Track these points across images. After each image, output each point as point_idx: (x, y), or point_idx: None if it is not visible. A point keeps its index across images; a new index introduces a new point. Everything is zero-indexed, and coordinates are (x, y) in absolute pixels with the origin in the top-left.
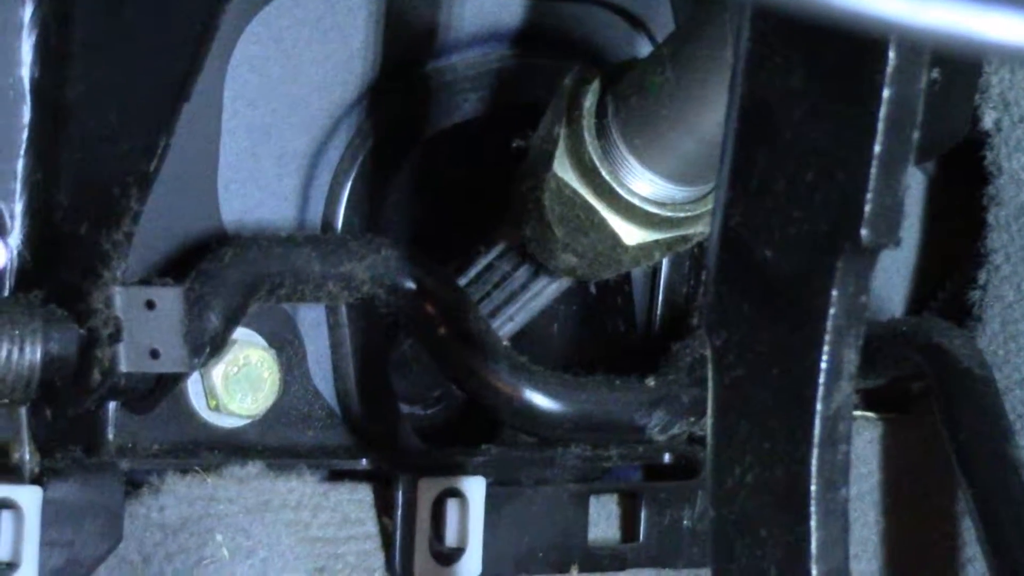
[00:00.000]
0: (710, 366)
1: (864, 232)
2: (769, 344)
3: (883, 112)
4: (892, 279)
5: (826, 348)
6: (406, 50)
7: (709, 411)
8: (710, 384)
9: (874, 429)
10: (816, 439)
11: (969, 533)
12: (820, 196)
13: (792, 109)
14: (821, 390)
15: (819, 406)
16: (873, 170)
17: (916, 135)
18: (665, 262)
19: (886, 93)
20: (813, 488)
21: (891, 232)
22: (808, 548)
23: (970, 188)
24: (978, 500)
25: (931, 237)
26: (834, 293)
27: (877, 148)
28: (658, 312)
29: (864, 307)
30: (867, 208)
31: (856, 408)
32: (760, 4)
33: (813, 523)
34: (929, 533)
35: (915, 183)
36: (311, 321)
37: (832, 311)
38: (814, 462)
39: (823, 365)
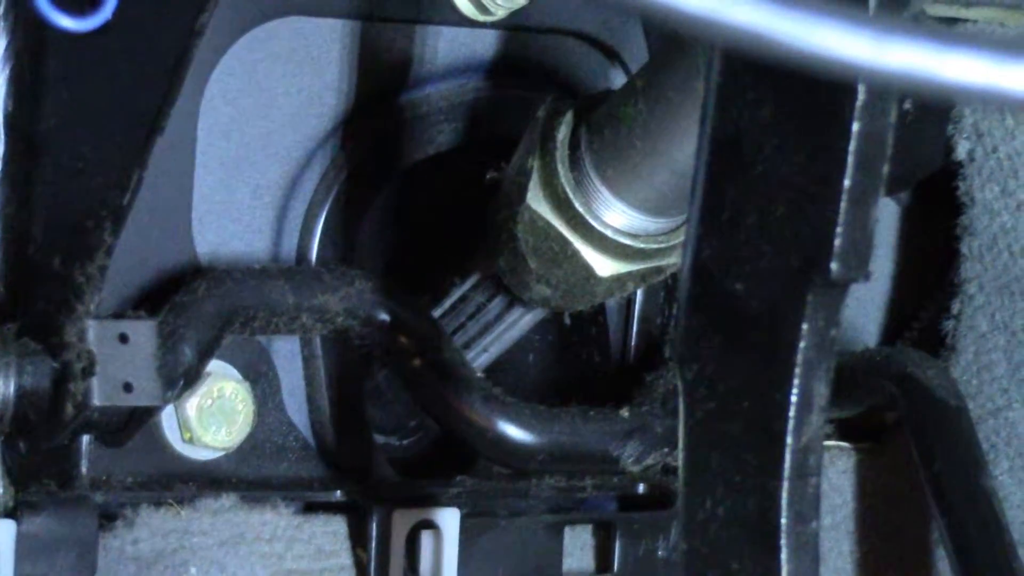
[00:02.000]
0: (681, 398)
1: (834, 266)
2: (740, 377)
3: (852, 146)
4: (866, 309)
5: (796, 381)
6: (380, 82)
7: (680, 443)
8: (681, 416)
9: (848, 459)
10: (786, 472)
11: (943, 563)
12: (790, 229)
13: (763, 143)
14: (791, 423)
15: (789, 439)
16: (843, 204)
17: (886, 169)
18: (639, 293)
19: (855, 127)
20: (783, 521)
21: (861, 265)
22: None
23: (944, 218)
24: (952, 530)
25: (905, 267)
26: (804, 326)
27: (847, 182)
28: (632, 343)
29: (835, 340)
30: (837, 242)
31: (830, 438)
32: (728, 47)
33: (784, 556)
34: (903, 563)
35: (889, 213)
36: (285, 353)
37: (802, 344)
38: (784, 495)
39: (793, 398)
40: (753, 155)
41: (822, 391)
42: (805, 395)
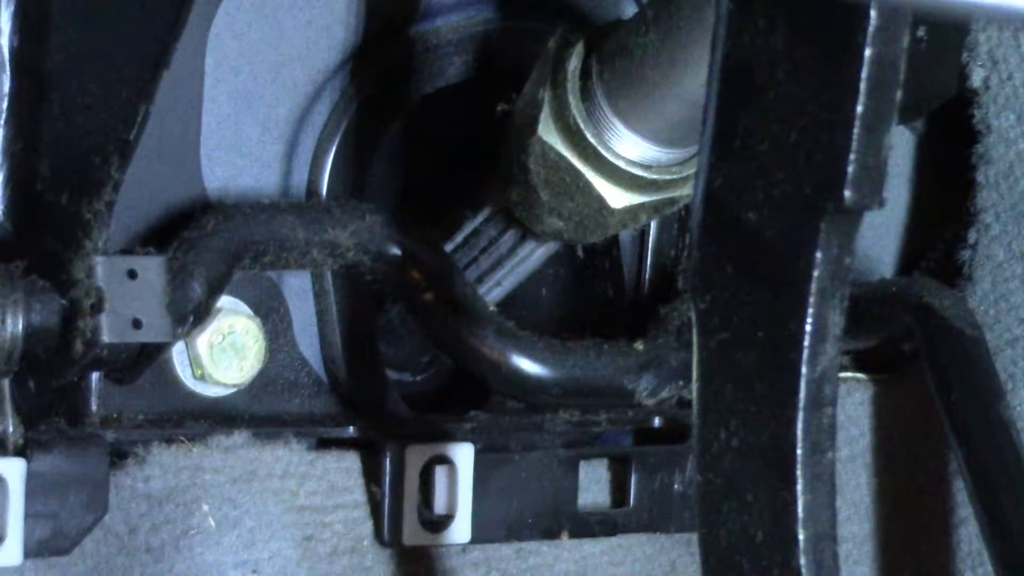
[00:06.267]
0: (695, 329)
1: (847, 193)
2: (754, 307)
3: (865, 72)
4: (882, 239)
5: (810, 310)
6: (389, 14)
7: (694, 375)
8: (695, 347)
9: (865, 390)
10: (801, 402)
11: (961, 494)
12: (803, 157)
13: (774, 70)
14: (806, 353)
15: (804, 369)
16: (856, 131)
17: (899, 95)
18: (653, 225)
19: (868, 53)
20: (799, 452)
21: (875, 193)
22: (794, 512)
23: (959, 147)
24: (970, 461)
25: (921, 197)
26: (818, 255)
27: (859, 108)
28: (646, 275)
29: (849, 269)
30: (850, 169)
31: (847, 369)
32: None
33: (799, 487)
34: (921, 494)
35: (904, 142)
36: (296, 288)
37: (816, 273)
38: (800, 425)
39: (808, 328)
40: (765, 82)
41: (837, 320)
42: (820, 324)
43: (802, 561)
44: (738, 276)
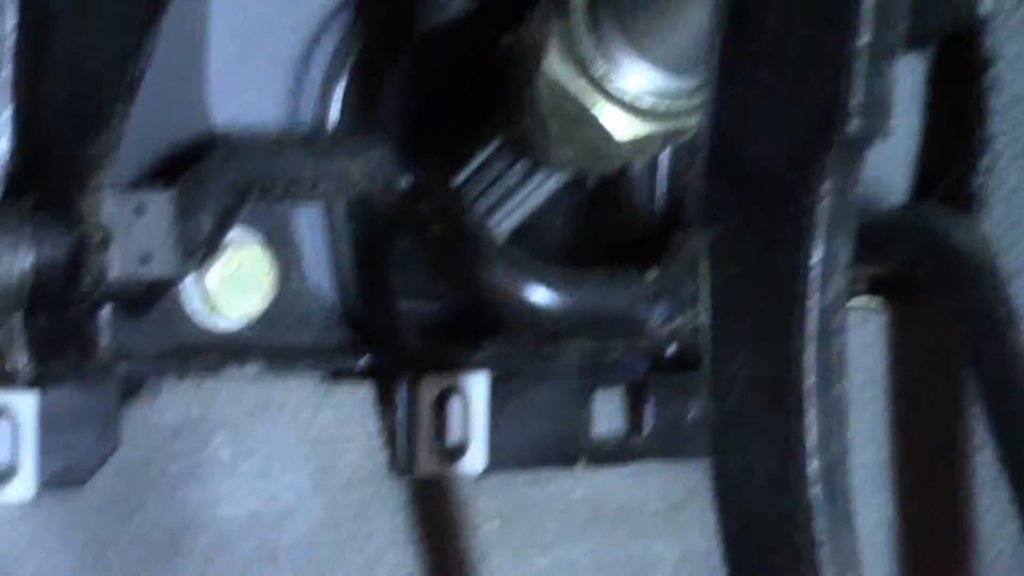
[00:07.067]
0: (704, 261)
1: (852, 124)
2: (761, 239)
3: (869, 1)
4: (893, 168)
5: (817, 242)
6: None
7: (704, 306)
8: (704, 279)
9: (879, 318)
10: (809, 334)
11: (977, 421)
12: (808, 88)
13: None
14: (813, 284)
15: (811, 301)
16: (860, 61)
17: (904, 24)
18: (665, 153)
19: None
20: (808, 383)
21: (880, 123)
22: (805, 443)
23: (970, 74)
24: (985, 387)
25: (932, 125)
26: (824, 186)
27: (864, 39)
28: (658, 204)
29: (855, 200)
30: (854, 100)
31: (862, 296)
32: None
33: (809, 418)
34: (937, 421)
35: (914, 70)
36: (308, 219)
37: (823, 204)
38: (808, 357)
39: (814, 259)
40: (769, 12)
41: (844, 251)
42: (827, 256)
43: (814, 490)
44: (745, 208)
